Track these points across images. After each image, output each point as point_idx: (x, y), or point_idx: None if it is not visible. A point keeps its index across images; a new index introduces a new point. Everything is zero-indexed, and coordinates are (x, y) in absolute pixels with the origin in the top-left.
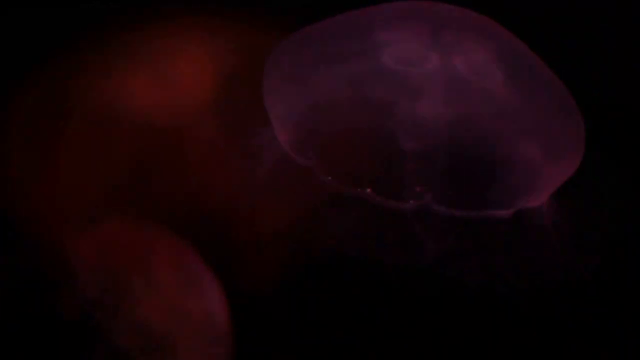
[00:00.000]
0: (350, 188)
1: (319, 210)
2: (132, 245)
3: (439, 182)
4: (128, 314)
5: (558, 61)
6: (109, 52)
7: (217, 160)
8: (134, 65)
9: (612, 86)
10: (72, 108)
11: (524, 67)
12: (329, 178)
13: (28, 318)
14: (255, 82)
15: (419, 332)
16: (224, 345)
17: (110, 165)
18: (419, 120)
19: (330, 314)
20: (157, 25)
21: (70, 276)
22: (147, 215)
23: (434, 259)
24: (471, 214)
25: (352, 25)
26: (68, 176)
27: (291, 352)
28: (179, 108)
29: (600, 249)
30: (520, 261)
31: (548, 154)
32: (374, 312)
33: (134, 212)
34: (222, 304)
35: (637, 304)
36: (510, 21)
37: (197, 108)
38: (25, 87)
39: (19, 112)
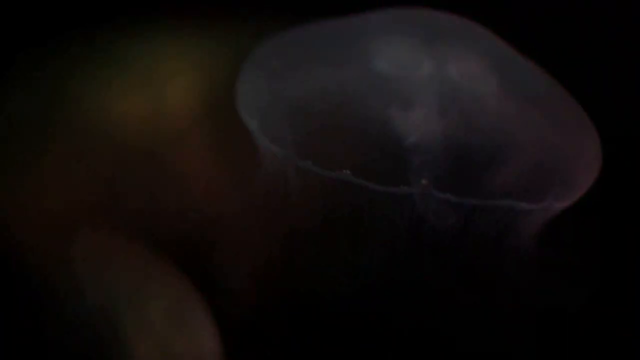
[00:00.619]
0: (338, 174)
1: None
2: (124, 278)
3: (436, 174)
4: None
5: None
6: (94, 62)
7: (206, 170)
8: (119, 78)
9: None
10: (54, 119)
11: (518, 73)
12: (319, 167)
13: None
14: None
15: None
16: None
17: (92, 179)
18: (414, 125)
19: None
20: (141, 37)
21: (60, 309)
22: (131, 231)
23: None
24: (472, 203)
25: (346, 30)
26: (49, 189)
27: None
28: (164, 121)
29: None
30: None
31: (552, 156)
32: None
33: (117, 227)
34: (213, 345)
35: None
36: (505, 27)
37: (183, 119)
38: (6, 96)
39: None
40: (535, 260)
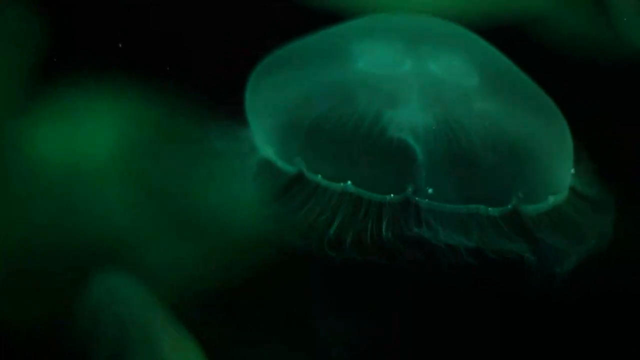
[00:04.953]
0: (338, 183)
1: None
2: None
3: (427, 176)
4: None
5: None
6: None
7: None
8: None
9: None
10: None
11: (499, 70)
12: (318, 176)
13: None
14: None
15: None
16: None
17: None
18: (399, 122)
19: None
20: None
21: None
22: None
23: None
24: (460, 208)
25: (329, 39)
26: None
27: None
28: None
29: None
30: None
31: (531, 153)
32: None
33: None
34: None
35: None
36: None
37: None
38: None
39: None
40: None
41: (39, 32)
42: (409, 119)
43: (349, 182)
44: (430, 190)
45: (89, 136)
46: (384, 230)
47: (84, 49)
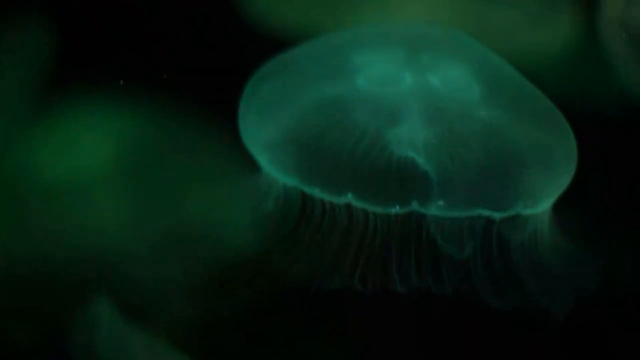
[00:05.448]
0: (337, 197)
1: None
2: None
3: (433, 188)
4: None
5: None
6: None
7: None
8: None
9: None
10: None
11: (503, 80)
12: (316, 190)
13: None
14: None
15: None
16: None
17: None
18: (400, 137)
19: None
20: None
21: None
22: None
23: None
24: (465, 215)
25: (327, 48)
26: None
27: None
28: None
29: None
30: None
31: (536, 162)
32: None
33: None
34: None
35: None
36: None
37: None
38: None
39: None
40: (528, 265)
41: (41, 43)
42: (410, 134)
43: (349, 195)
44: (440, 202)
45: (87, 149)
46: (392, 246)
47: (84, 61)
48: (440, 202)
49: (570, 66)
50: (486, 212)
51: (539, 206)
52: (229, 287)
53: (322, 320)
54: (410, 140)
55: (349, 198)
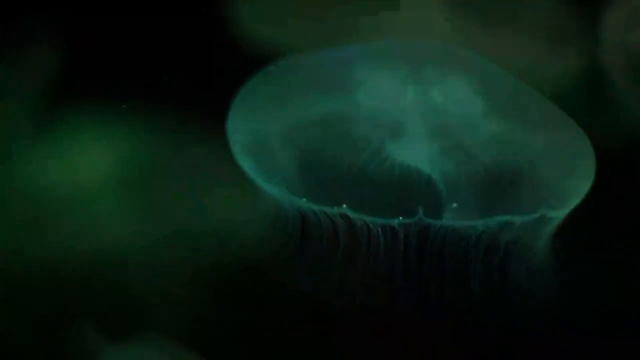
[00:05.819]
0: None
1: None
2: None
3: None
4: None
5: None
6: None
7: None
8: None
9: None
10: None
11: (505, 91)
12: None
13: None
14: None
15: None
16: None
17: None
18: (403, 152)
19: None
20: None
21: None
22: None
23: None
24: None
25: (330, 62)
26: None
27: None
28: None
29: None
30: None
31: (551, 167)
32: None
33: None
34: None
35: None
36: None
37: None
38: None
39: None
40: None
41: (45, 58)
42: (412, 148)
43: (344, 206)
44: (453, 205)
45: (87, 163)
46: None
47: (84, 77)
48: (449, 212)
49: (571, 91)
50: (498, 219)
51: (558, 211)
52: (232, 293)
53: (324, 326)
54: (413, 153)
55: (344, 209)
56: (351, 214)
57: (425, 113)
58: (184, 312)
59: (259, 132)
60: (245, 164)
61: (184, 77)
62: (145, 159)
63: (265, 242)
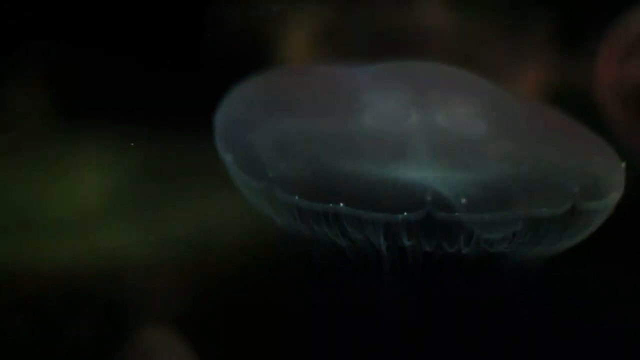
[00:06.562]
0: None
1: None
2: None
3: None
4: None
5: None
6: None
7: None
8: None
9: None
10: None
11: (510, 112)
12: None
13: None
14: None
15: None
16: None
17: None
18: (406, 172)
19: None
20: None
21: None
22: None
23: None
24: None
25: (332, 79)
26: None
27: None
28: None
29: None
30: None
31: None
32: None
33: None
34: None
35: None
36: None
37: None
38: None
39: None
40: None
41: (44, 79)
42: (416, 171)
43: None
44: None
45: (85, 183)
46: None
47: (81, 98)
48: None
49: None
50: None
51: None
52: (233, 289)
53: (325, 319)
54: (416, 175)
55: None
56: (349, 211)
57: (429, 137)
58: (179, 312)
59: (250, 136)
60: (227, 155)
61: (176, 81)
62: (137, 164)
63: (259, 242)
